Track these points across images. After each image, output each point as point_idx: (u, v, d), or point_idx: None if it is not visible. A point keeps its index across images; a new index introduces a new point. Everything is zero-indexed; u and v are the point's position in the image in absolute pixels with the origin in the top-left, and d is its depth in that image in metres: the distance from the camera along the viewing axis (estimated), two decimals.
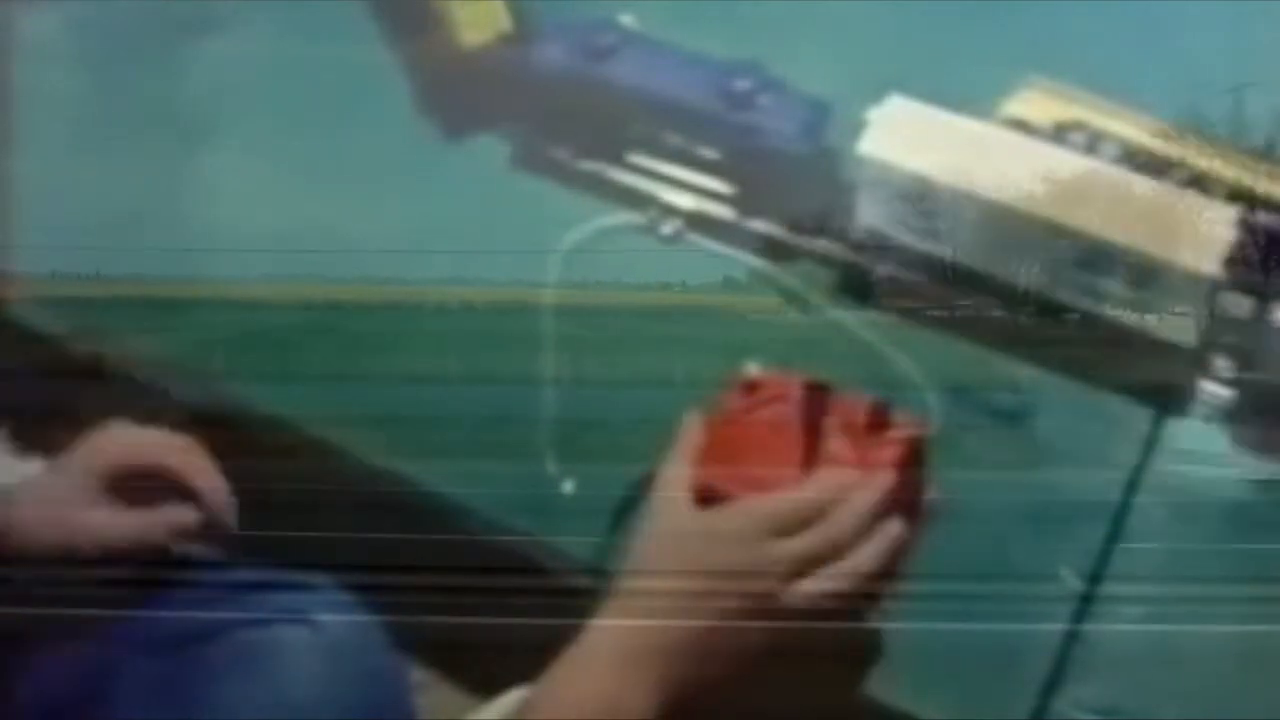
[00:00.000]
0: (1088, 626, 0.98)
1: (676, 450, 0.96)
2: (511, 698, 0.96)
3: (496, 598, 0.91)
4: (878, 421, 0.98)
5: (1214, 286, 1.06)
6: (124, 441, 1.05)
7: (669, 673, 0.93)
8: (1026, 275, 1.10)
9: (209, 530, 1.02)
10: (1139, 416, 1.08)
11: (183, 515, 1.03)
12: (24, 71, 1.11)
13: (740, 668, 0.92)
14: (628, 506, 0.99)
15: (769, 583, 0.91)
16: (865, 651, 0.97)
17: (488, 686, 0.96)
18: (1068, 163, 1.10)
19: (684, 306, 1.29)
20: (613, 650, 0.93)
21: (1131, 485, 1.04)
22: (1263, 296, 1.07)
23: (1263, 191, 1.09)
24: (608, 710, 0.92)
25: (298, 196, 1.21)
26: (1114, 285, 1.07)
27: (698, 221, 1.20)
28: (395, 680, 0.87)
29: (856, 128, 1.13)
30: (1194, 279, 1.06)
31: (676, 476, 0.95)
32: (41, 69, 1.19)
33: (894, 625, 0.98)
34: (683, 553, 0.93)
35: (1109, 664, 0.98)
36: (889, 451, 0.98)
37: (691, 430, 0.98)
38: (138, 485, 1.03)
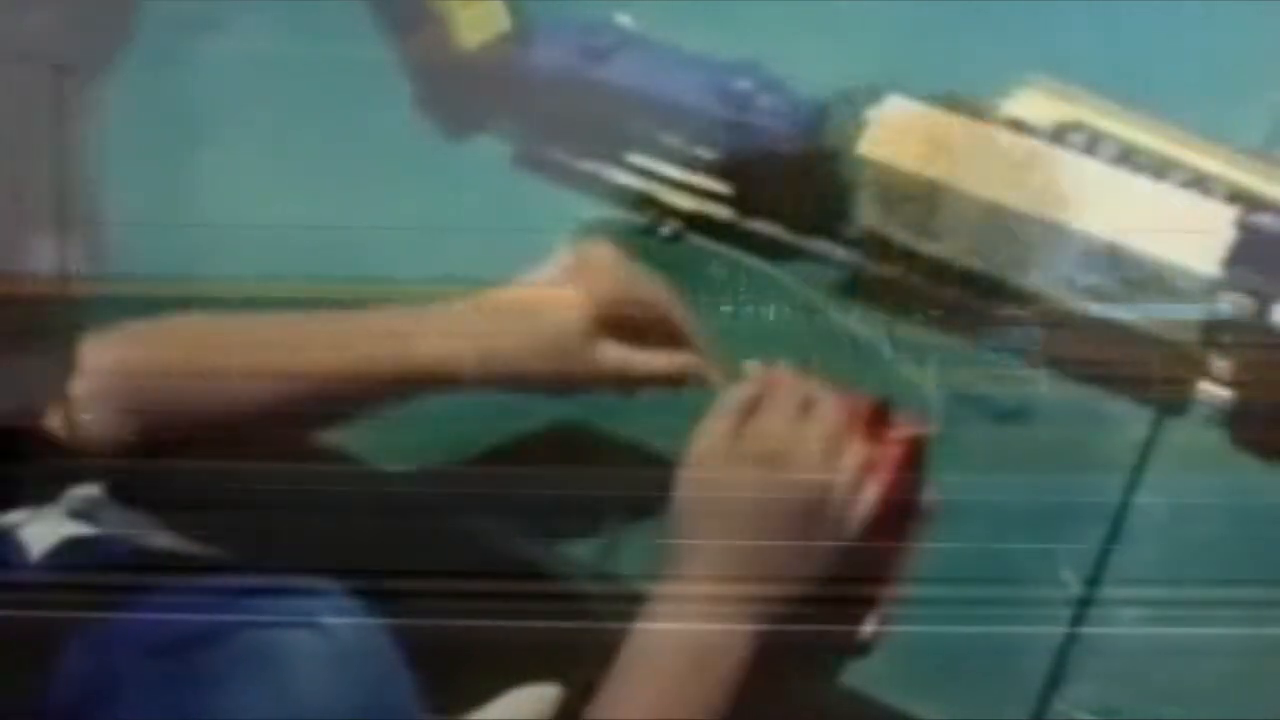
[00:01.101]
0: (1088, 629, 0.98)
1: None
2: (513, 698, 0.96)
3: (498, 600, 0.91)
4: (878, 421, 0.98)
5: (1214, 286, 1.06)
6: (615, 265, 1.03)
7: (730, 673, 0.91)
8: (1026, 275, 1.10)
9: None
10: (1139, 416, 1.09)
11: (672, 359, 1.02)
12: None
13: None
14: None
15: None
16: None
17: (488, 687, 0.96)
18: (1068, 163, 1.10)
19: None
20: (672, 652, 0.91)
21: (1131, 486, 1.05)
22: (1263, 296, 1.07)
23: (1263, 191, 1.09)
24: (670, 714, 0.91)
25: (297, 195, 1.21)
26: (1114, 285, 1.08)
27: (698, 221, 1.20)
28: (400, 684, 0.87)
29: (856, 128, 1.13)
30: (1194, 279, 1.06)
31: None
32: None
33: (896, 627, 0.98)
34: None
35: (1109, 665, 0.98)
36: (889, 451, 0.98)
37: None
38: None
